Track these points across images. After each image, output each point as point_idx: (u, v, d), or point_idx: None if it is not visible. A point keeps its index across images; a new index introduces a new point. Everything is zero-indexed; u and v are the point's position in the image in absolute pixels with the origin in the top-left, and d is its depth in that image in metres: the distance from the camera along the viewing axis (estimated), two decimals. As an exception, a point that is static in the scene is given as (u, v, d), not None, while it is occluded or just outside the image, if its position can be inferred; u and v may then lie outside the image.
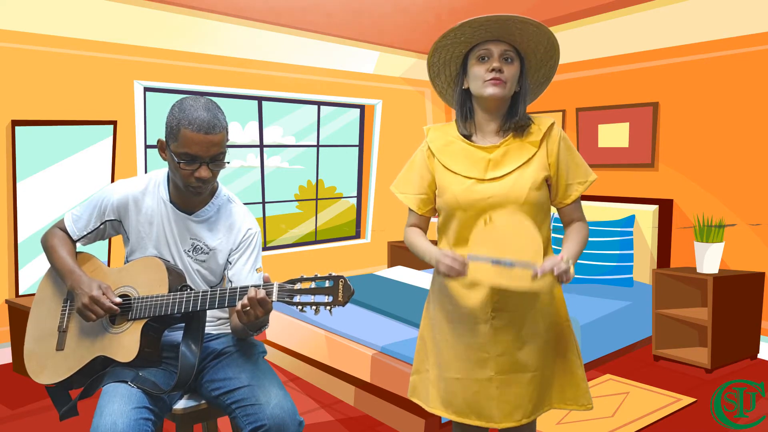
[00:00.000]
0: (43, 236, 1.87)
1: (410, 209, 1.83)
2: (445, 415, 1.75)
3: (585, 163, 1.76)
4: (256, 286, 1.53)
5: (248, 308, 1.52)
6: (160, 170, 1.85)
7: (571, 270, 1.59)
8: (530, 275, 1.53)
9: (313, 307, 1.49)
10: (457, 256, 1.58)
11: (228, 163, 1.72)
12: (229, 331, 1.90)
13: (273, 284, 1.53)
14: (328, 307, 1.50)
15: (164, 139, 1.70)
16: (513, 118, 1.71)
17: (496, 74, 1.64)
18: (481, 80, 1.66)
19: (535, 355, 1.71)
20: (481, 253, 1.57)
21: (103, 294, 1.65)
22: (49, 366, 1.73)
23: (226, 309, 1.90)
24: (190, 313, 1.68)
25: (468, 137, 1.74)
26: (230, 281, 1.81)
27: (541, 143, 1.70)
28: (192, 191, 1.70)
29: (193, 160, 1.64)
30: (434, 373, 1.79)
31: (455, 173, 1.71)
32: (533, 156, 1.69)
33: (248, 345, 1.85)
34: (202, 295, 1.62)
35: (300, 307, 1.50)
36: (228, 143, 1.72)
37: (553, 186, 1.74)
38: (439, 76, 1.80)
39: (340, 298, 1.50)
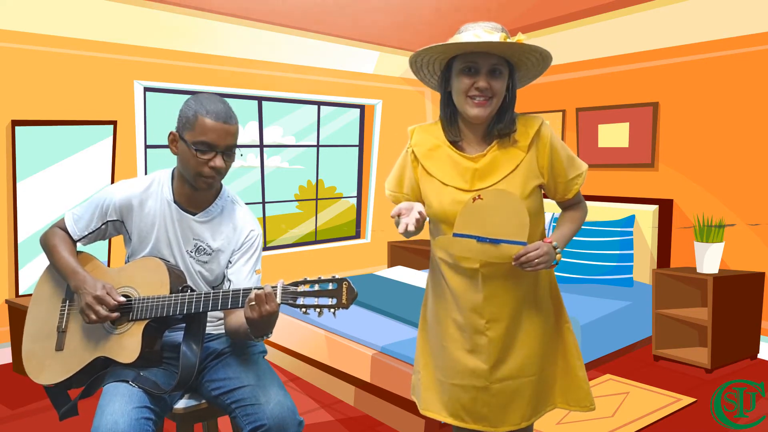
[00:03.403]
0: (42, 236, 1.86)
1: None
2: (441, 419, 1.74)
3: (575, 155, 1.73)
4: (259, 288, 1.53)
5: (254, 303, 1.52)
6: (164, 171, 1.85)
7: (558, 256, 1.60)
8: (514, 252, 1.55)
9: (317, 309, 1.49)
10: (413, 205, 1.53)
11: (242, 155, 1.74)
12: (230, 331, 1.90)
13: (276, 286, 1.53)
14: (332, 310, 1.50)
15: (176, 132, 1.71)
16: (498, 125, 1.63)
17: (482, 93, 1.57)
18: (465, 96, 1.59)
19: (532, 361, 1.69)
20: (468, 230, 1.57)
21: (108, 294, 1.65)
22: (49, 366, 1.72)
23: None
24: (191, 314, 1.68)
25: (454, 143, 1.68)
26: (229, 280, 1.81)
27: (530, 148, 1.64)
28: (203, 182, 1.71)
29: (210, 149, 1.66)
30: (427, 375, 1.78)
31: (440, 182, 1.67)
32: (521, 162, 1.63)
33: (248, 345, 1.85)
34: (204, 297, 1.62)
35: (303, 309, 1.50)
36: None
37: (552, 185, 1.70)
38: (421, 70, 1.72)
39: (343, 301, 1.50)
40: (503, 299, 1.65)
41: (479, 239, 1.56)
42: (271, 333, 1.64)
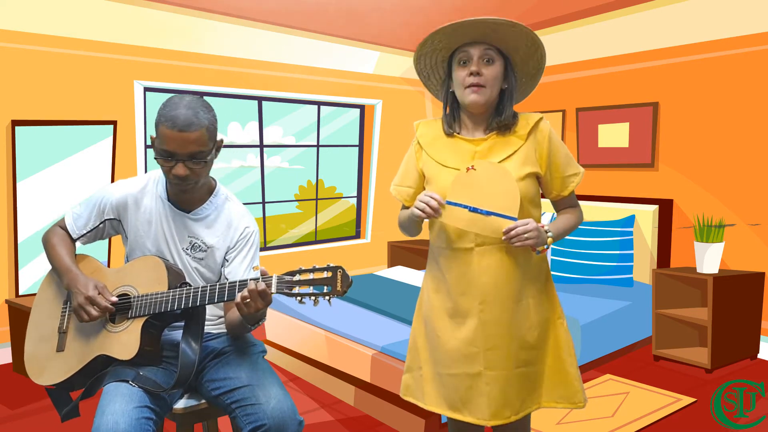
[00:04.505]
0: (44, 234, 1.88)
1: None
2: (441, 412, 1.77)
3: (573, 157, 1.81)
4: (255, 280, 1.54)
5: (249, 300, 1.53)
6: (159, 169, 1.86)
7: (549, 240, 1.65)
8: (504, 226, 1.59)
9: (312, 298, 1.50)
10: (435, 196, 1.63)
11: (206, 162, 1.67)
12: (230, 330, 1.90)
13: (272, 276, 1.53)
14: (327, 297, 1.50)
15: (153, 136, 1.73)
16: (498, 117, 1.72)
17: (475, 79, 1.66)
18: (462, 86, 1.68)
19: (524, 351, 1.72)
20: (460, 199, 1.63)
21: (99, 293, 1.66)
22: (50, 367, 1.73)
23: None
24: (189, 310, 1.68)
25: (456, 133, 1.77)
26: (226, 279, 1.81)
27: (528, 137, 1.73)
28: (175, 186, 1.72)
29: (170, 157, 1.65)
30: (428, 370, 1.81)
31: (442, 165, 1.75)
32: (519, 148, 1.71)
33: (248, 344, 1.85)
34: (201, 290, 1.62)
35: (299, 298, 1.51)
36: (226, 143, 1.72)
37: (548, 180, 1.77)
38: (430, 79, 1.84)
39: (338, 288, 1.51)
40: (498, 279, 1.69)
41: (471, 209, 1.62)
42: (264, 318, 1.69)
